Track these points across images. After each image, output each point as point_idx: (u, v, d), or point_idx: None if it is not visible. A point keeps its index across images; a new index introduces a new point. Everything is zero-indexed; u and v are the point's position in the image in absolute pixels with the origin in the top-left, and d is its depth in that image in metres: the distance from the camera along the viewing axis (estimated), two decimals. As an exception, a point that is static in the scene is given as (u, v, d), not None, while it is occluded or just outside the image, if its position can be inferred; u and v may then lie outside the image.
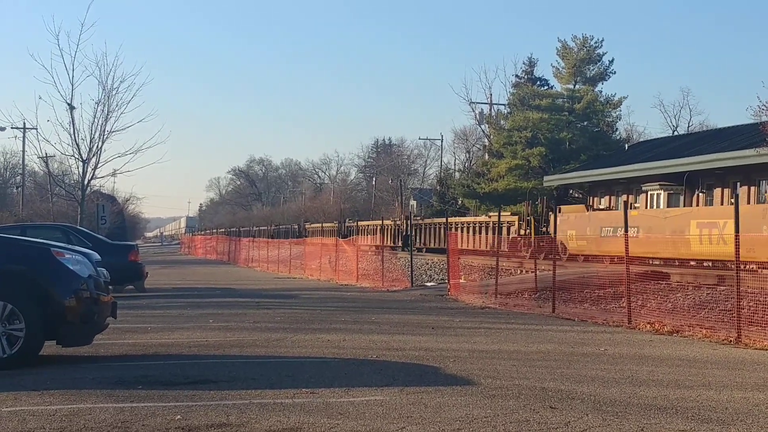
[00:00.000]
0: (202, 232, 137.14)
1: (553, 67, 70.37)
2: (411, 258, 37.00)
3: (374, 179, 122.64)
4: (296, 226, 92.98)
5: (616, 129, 71.62)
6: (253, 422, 8.64)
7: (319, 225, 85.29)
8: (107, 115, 45.70)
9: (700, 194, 42.63)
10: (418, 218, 64.76)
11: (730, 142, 44.58)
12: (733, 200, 31.10)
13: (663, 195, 40.16)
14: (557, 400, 10.03)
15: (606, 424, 8.80)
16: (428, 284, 35.26)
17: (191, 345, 14.93)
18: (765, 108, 33.21)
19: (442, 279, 35.72)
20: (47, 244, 13.35)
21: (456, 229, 52.03)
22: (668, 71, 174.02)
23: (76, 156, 45.94)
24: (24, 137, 66.30)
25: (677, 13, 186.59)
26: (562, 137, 64.44)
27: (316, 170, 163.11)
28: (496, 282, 27.71)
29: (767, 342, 15.82)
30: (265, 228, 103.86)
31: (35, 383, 10.62)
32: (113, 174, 52.67)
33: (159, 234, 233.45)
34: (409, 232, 55.98)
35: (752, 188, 39.70)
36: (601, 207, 50.69)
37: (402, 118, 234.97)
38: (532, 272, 28.40)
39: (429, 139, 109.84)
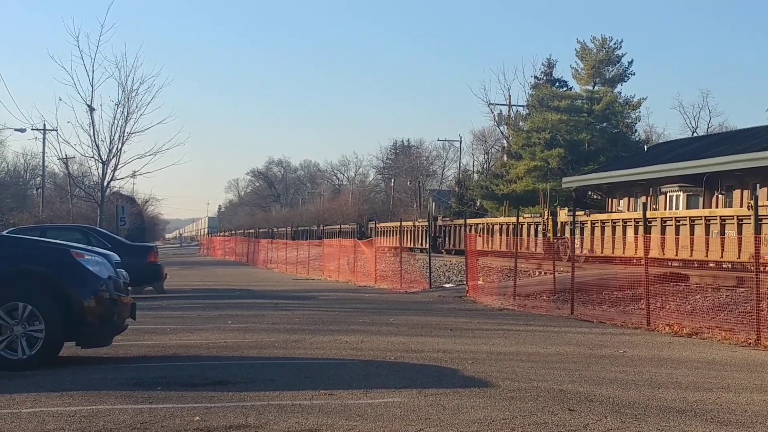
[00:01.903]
0: (225, 233, 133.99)
1: (572, 68, 70.40)
2: (429, 259, 36.99)
3: (393, 181, 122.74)
4: (355, 225, 78.14)
5: (635, 130, 71.60)
6: (272, 423, 8.66)
7: (395, 223, 63.54)
8: (127, 116, 46.11)
9: (720, 196, 42.49)
10: (584, 213, 41.28)
11: (749, 143, 44.45)
12: (752, 202, 30.85)
13: (682, 197, 40.07)
14: (576, 402, 10.01)
15: (625, 426, 8.78)
16: (446, 286, 35.22)
17: (210, 346, 14.97)
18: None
19: (460, 281, 35.69)
20: (67, 246, 13.41)
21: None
22: (688, 73, 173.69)
23: (96, 157, 46.35)
24: (44, 139, 66.87)
25: (696, 15, 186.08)
26: (581, 138, 64.37)
27: (335, 172, 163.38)
28: (515, 284, 27.67)
29: (787, 344, 15.71)
30: (314, 228, 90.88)
31: (54, 384, 10.67)
32: (133, 175, 53.19)
33: (178, 235, 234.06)
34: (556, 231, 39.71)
35: (772, 190, 39.48)
36: (620, 209, 50.51)
37: (420, 119, 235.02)
38: (550, 274, 28.33)
39: (447, 141, 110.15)
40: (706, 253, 30.75)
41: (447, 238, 54.14)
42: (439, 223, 56.90)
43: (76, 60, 50.93)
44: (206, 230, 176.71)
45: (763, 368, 13.41)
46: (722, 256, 29.69)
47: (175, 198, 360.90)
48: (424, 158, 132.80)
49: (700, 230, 31.67)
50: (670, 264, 30.39)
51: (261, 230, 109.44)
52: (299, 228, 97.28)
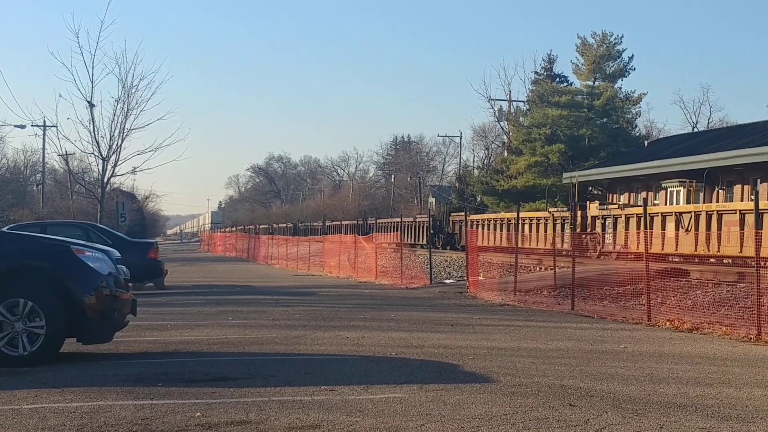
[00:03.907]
0: (233, 228, 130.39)
1: (573, 63, 70.42)
2: (430, 255, 37.00)
3: (393, 176, 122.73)
4: (426, 218, 57.42)
5: (636, 126, 71.54)
6: (273, 419, 8.66)
7: (496, 215, 51.60)
8: (127, 112, 46.09)
9: (720, 191, 42.47)
10: None
11: (750, 138, 44.43)
12: (752, 197, 30.77)
13: (683, 192, 39.99)
14: (576, 397, 10.01)
15: (625, 421, 8.78)
16: (447, 281, 35.23)
17: (211, 342, 14.97)
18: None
19: (461, 276, 35.69)
20: (67, 242, 13.41)
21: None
22: (688, 68, 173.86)
23: (96, 154, 46.34)
24: (44, 135, 66.94)
25: (697, 10, 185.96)
26: (582, 134, 64.33)
27: (335, 168, 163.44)
28: (515, 279, 27.66)
29: (788, 339, 15.69)
30: (359, 221, 75.36)
31: (55, 380, 10.68)
32: (133, 171, 53.07)
33: (179, 231, 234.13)
34: None
35: (773, 185, 39.37)
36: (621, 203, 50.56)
37: (421, 115, 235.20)
38: (551, 269, 28.33)
39: (448, 136, 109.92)
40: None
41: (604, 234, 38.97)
42: (595, 213, 39.61)
43: (76, 56, 51.18)
44: (209, 225, 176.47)
45: (763, 363, 13.41)
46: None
47: (175, 194, 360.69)
48: (424, 154, 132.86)
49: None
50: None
51: (285, 225, 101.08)
52: (334, 222, 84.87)
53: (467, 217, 48.22)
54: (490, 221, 50.76)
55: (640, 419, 8.90)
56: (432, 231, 52.54)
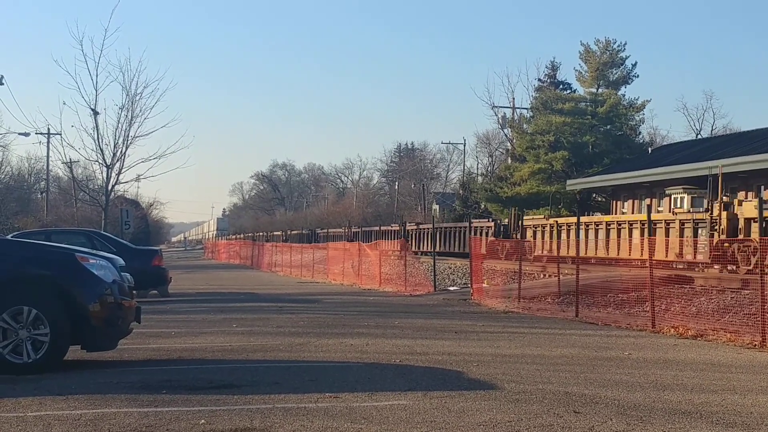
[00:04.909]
0: (239, 235, 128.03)
1: (576, 70, 70.27)
2: (434, 262, 36.98)
3: (397, 184, 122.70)
4: (489, 222, 52.42)
5: (640, 132, 71.39)
6: (277, 426, 8.66)
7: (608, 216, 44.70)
8: (131, 120, 46.08)
9: (724, 198, 42.38)
10: None
11: (754, 145, 44.42)
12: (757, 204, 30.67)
13: (686, 198, 39.90)
14: (581, 404, 10.00)
15: (630, 428, 8.77)
16: (451, 289, 35.22)
17: (215, 349, 14.97)
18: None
19: (465, 283, 35.68)
20: (72, 249, 13.41)
21: None
22: (691, 74, 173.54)
23: (100, 161, 46.33)
24: (48, 143, 67.15)
25: (700, 16, 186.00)
26: (585, 141, 64.27)
27: (339, 175, 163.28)
28: (519, 286, 27.64)
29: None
30: (390, 227, 69.49)
31: (60, 388, 10.68)
32: (137, 179, 53.12)
33: (183, 239, 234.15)
34: None
35: (777, 191, 39.31)
36: (625, 211, 50.50)
37: (424, 122, 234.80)
38: (555, 276, 28.30)
39: (452, 144, 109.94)
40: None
41: None
42: (751, 213, 29.25)
43: (80, 64, 50.83)
44: (214, 232, 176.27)
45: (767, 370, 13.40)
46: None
47: (179, 202, 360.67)
48: (428, 161, 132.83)
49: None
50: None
51: (292, 232, 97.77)
52: (363, 228, 76.49)
53: (557, 222, 38.42)
54: (589, 225, 40.57)
55: (645, 426, 8.89)
56: (494, 238, 45.55)
